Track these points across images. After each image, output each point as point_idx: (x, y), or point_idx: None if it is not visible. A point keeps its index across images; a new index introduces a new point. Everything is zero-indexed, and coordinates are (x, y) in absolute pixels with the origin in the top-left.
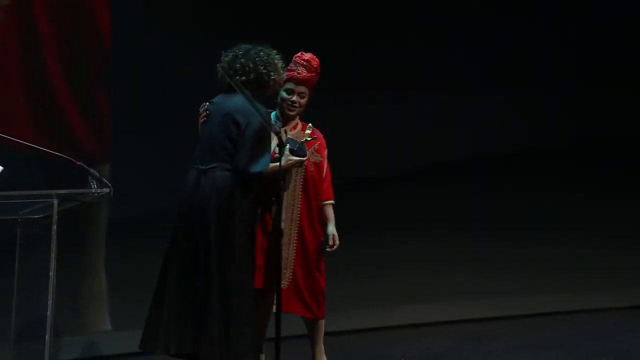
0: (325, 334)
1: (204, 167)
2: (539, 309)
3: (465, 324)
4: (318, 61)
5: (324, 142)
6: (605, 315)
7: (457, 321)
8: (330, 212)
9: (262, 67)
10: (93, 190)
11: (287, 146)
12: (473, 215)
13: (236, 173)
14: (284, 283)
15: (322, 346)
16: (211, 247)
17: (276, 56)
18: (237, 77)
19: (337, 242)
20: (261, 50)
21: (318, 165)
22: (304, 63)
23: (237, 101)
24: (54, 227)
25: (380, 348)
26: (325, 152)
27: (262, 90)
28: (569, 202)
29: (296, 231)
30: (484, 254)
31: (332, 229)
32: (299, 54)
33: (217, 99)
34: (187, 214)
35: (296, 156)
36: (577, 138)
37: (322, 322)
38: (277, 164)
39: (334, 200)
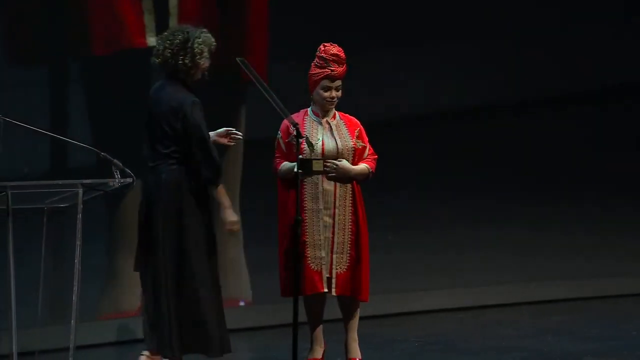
0: (341, 319)
1: (151, 164)
2: (551, 296)
3: (478, 310)
4: (342, 50)
5: (362, 128)
6: (616, 302)
7: (470, 307)
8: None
9: (169, 50)
10: (117, 180)
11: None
12: (484, 203)
13: (183, 167)
14: (341, 267)
15: (356, 334)
16: (159, 242)
17: (197, 40)
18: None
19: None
20: (182, 32)
21: (361, 151)
22: (335, 58)
23: (165, 99)
24: (79, 215)
25: (396, 333)
26: (366, 137)
27: (179, 75)
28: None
29: (350, 217)
30: (498, 241)
31: (345, 163)
32: (322, 47)
33: (152, 91)
34: (141, 211)
35: (301, 168)
36: None
37: (359, 308)
38: (293, 167)
39: (372, 170)
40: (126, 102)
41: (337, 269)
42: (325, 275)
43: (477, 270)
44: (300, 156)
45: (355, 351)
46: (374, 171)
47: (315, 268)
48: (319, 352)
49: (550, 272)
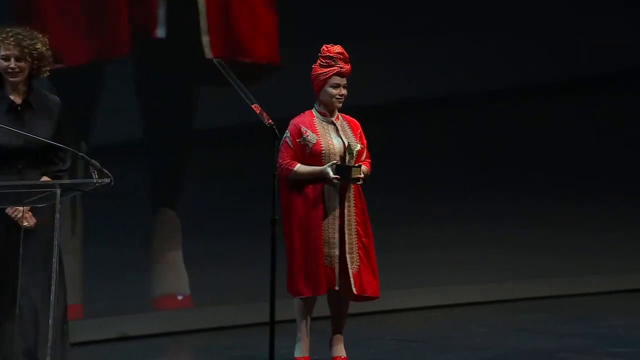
0: (316, 317)
1: None
2: (527, 294)
3: (453, 308)
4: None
5: (361, 130)
6: (588, 300)
7: (445, 306)
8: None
9: None
10: (94, 180)
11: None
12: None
13: None
14: (354, 267)
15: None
16: None
17: None
18: None
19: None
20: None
21: (362, 152)
22: (341, 56)
23: None
24: (57, 215)
25: (371, 331)
26: (365, 140)
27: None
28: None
29: (355, 218)
30: (472, 239)
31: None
32: (325, 48)
33: None
34: None
35: (340, 175)
36: None
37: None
38: (314, 171)
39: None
40: (113, 100)
41: (351, 269)
42: (337, 273)
43: (451, 269)
44: (336, 162)
45: (342, 350)
46: (369, 174)
47: (329, 266)
48: (306, 349)
49: (524, 270)
